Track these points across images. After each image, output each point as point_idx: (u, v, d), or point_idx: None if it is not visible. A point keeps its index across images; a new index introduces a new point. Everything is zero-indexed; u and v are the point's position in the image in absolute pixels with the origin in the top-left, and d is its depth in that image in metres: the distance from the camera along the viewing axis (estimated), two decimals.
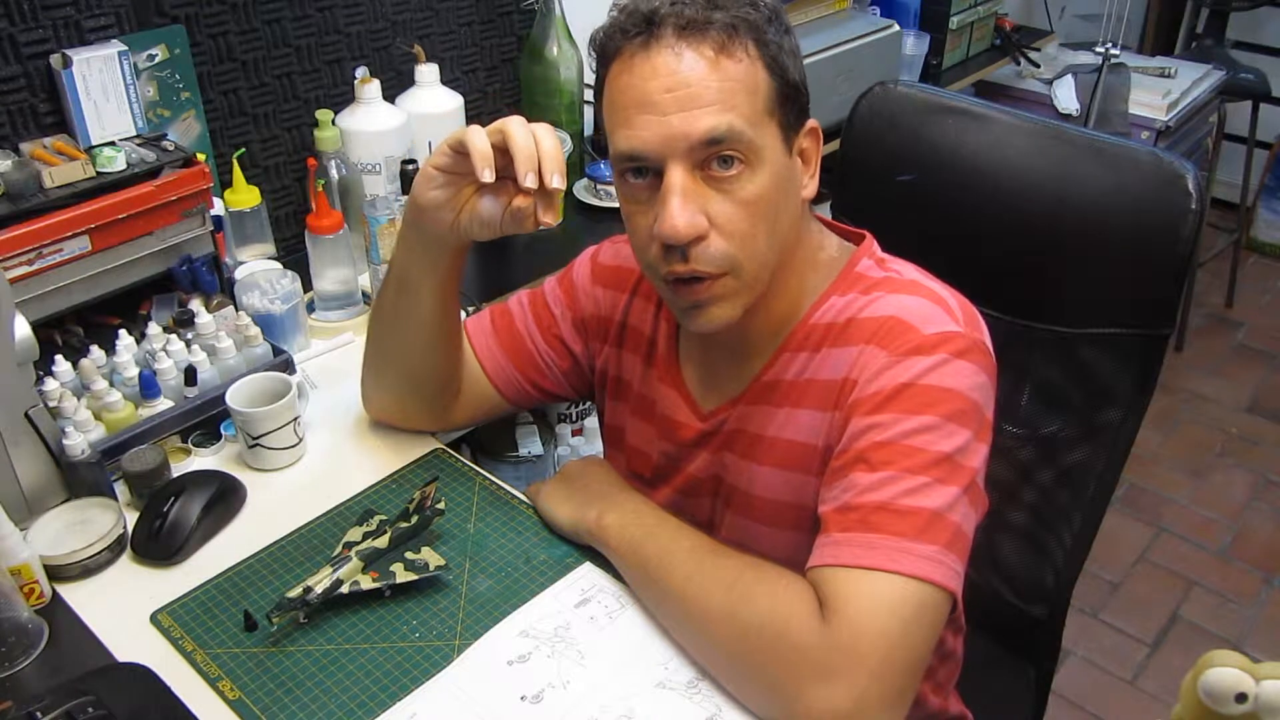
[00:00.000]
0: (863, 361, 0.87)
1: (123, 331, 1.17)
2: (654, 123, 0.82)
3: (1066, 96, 2.60)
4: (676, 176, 0.83)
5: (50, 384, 1.09)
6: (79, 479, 1.06)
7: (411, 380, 1.10)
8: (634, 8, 0.85)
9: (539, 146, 0.87)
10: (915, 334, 0.85)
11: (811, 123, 0.91)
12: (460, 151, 0.90)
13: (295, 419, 1.13)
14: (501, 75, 1.80)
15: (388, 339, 1.08)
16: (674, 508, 1.00)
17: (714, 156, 0.83)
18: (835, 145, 1.24)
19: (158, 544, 1.01)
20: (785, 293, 0.93)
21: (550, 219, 0.90)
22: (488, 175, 0.88)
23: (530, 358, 1.10)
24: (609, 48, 0.87)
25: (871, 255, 0.95)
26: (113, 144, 1.26)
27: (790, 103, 0.87)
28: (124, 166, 1.22)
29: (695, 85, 0.82)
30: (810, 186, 0.92)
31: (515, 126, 0.88)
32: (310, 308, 1.39)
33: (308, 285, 1.38)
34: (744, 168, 0.84)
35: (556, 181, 0.87)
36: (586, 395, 1.16)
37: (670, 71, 0.82)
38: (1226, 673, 0.60)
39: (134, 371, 1.15)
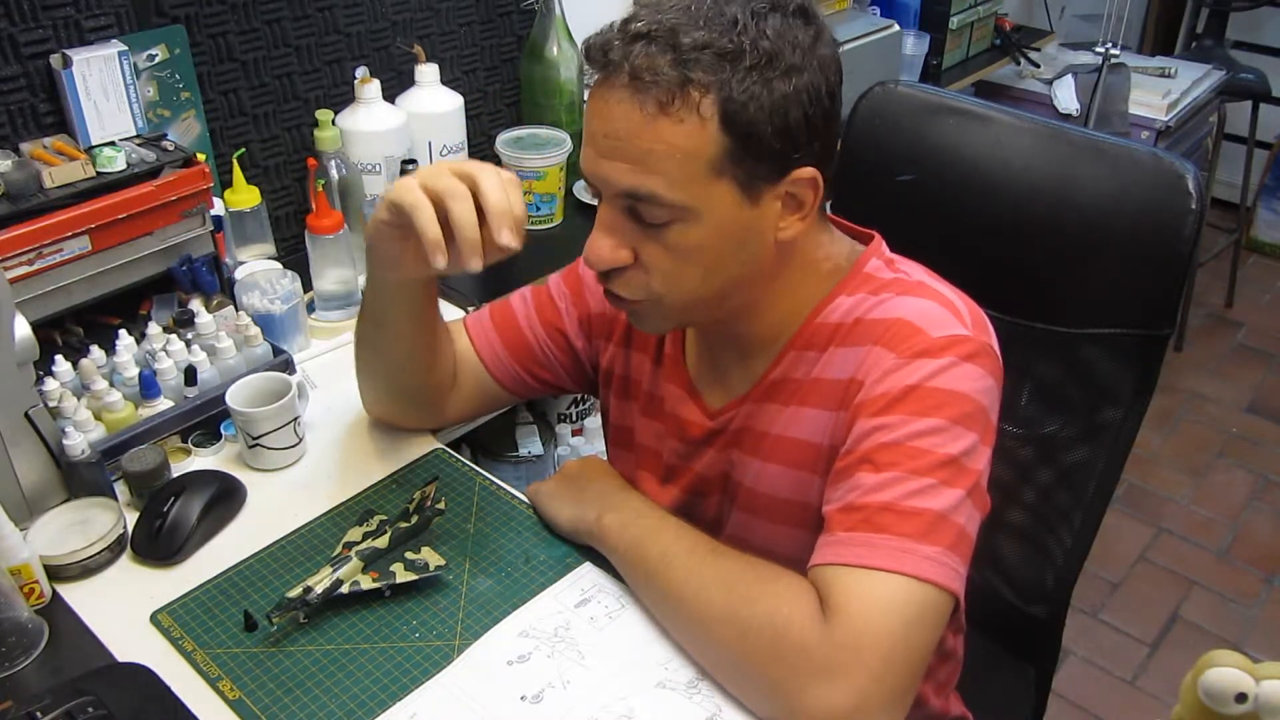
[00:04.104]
0: (870, 362, 0.87)
1: (123, 331, 1.17)
2: (593, 158, 0.84)
3: (1066, 96, 2.60)
4: (604, 211, 0.86)
5: (50, 384, 1.09)
6: (79, 479, 1.06)
7: (403, 392, 1.12)
8: (603, 41, 0.83)
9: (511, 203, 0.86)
10: (923, 336, 0.85)
11: (809, 172, 0.84)
12: (404, 212, 0.87)
13: (295, 419, 1.13)
14: (501, 75, 1.80)
15: (373, 361, 1.11)
16: (683, 507, 1.00)
17: (638, 205, 0.83)
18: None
19: (158, 544, 1.01)
20: (780, 302, 0.93)
21: (513, 242, 0.86)
22: (440, 262, 0.86)
23: (529, 348, 1.10)
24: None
25: (880, 256, 0.95)
26: (113, 144, 1.26)
27: (757, 159, 0.81)
28: (124, 166, 1.22)
29: (624, 140, 0.81)
30: (792, 229, 0.87)
31: (489, 181, 0.86)
32: (310, 308, 1.39)
33: (308, 285, 1.38)
34: (674, 220, 0.83)
35: (511, 241, 0.86)
36: (585, 390, 1.16)
37: (608, 118, 0.82)
38: (1226, 673, 0.60)
39: (134, 371, 1.15)
